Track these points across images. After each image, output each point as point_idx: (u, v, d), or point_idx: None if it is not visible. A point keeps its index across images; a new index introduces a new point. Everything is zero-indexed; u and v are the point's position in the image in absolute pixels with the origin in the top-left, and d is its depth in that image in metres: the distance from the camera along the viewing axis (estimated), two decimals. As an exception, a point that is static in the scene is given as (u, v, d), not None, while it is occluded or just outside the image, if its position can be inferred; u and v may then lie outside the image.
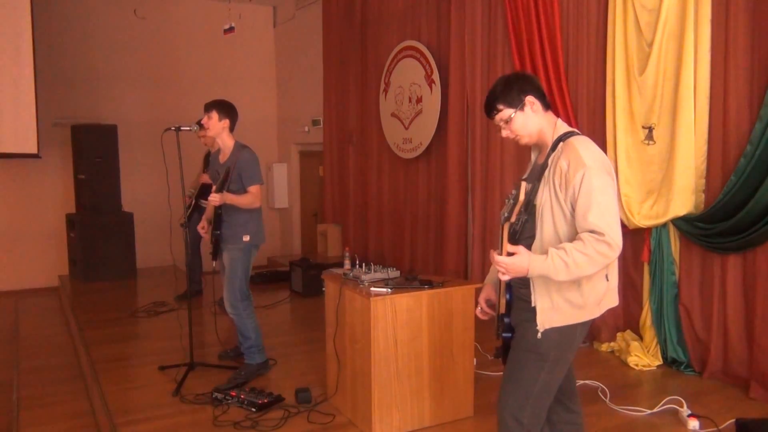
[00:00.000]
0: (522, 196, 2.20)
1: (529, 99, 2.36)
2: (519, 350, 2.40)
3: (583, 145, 2.30)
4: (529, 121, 2.38)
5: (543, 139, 2.41)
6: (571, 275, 2.20)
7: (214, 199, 4.16)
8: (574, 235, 2.25)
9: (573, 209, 2.25)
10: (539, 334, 2.30)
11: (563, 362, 2.39)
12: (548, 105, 2.42)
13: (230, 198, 4.18)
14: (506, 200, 2.25)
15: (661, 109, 4.28)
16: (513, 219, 2.21)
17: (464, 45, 5.94)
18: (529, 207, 2.35)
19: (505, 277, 2.25)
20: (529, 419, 2.35)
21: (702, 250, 4.20)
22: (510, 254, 2.20)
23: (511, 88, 2.36)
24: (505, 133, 2.42)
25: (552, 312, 2.31)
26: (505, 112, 2.37)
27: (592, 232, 2.18)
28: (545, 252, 2.23)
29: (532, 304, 2.32)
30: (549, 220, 2.29)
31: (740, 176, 3.83)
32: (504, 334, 2.46)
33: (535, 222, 2.32)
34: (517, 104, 2.36)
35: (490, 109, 2.41)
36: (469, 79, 5.92)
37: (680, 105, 4.11)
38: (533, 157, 2.53)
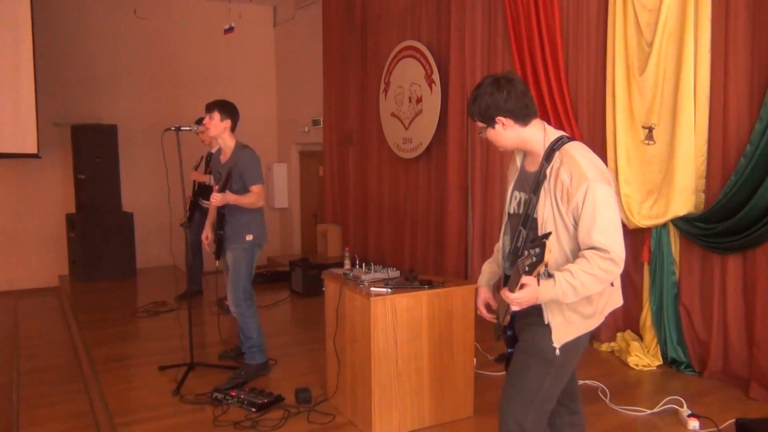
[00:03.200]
0: (547, 257, 2.06)
1: (500, 119, 2.31)
2: (524, 354, 2.37)
3: (581, 154, 2.24)
4: (500, 136, 2.35)
5: (529, 147, 2.35)
6: (578, 296, 2.19)
7: (216, 199, 4.15)
8: (578, 248, 2.23)
9: (576, 222, 2.21)
10: (557, 351, 2.28)
11: (568, 367, 2.38)
12: (530, 115, 2.31)
13: (233, 198, 4.17)
14: (527, 251, 2.10)
15: (661, 109, 4.28)
16: (534, 275, 2.10)
17: (464, 45, 5.93)
18: (529, 221, 2.30)
19: (516, 308, 2.21)
20: (532, 424, 2.33)
21: (702, 250, 4.20)
22: (521, 286, 2.12)
23: (482, 105, 2.31)
24: (484, 137, 2.43)
25: (566, 326, 2.29)
26: (479, 124, 2.37)
27: (595, 248, 2.15)
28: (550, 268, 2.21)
29: (545, 322, 2.29)
30: (554, 239, 2.23)
31: (740, 176, 3.83)
32: (508, 350, 2.46)
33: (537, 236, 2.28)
34: (488, 122, 2.33)
35: (470, 115, 2.41)
36: (469, 79, 5.91)
37: (680, 105, 4.11)
38: (518, 161, 2.47)
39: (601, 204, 2.16)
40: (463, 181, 6.13)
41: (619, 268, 2.18)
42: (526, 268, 2.09)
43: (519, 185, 2.43)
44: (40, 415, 4.02)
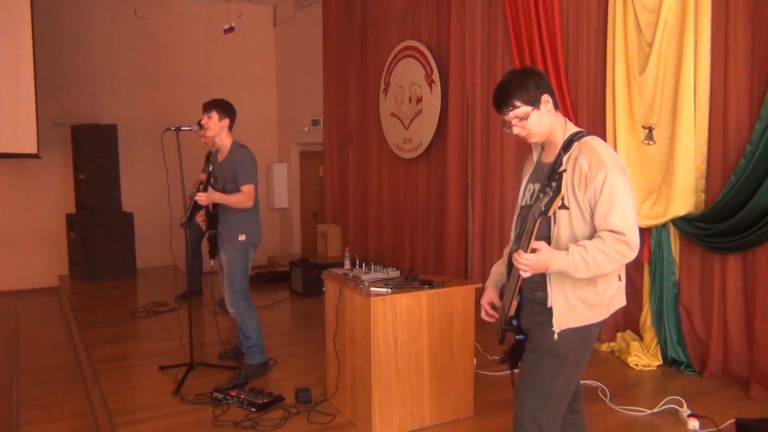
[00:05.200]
0: (564, 190, 2.04)
1: (545, 98, 2.31)
2: (537, 353, 2.36)
3: (600, 145, 2.29)
4: (543, 120, 2.32)
5: (552, 138, 2.38)
6: (589, 273, 2.19)
7: (201, 198, 4.15)
8: (591, 235, 2.24)
9: (592, 209, 2.22)
10: (555, 335, 2.28)
11: (581, 363, 2.38)
12: (557, 104, 2.40)
13: (217, 197, 4.16)
14: (539, 193, 2.09)
15: (661, 109, 4.28)
16: (551, 212, 2.07)
17: (464, 45, 5.94)
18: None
19: (526, 275, 2.19)
20: (548, 422, 2.33)
21: (702, 250, 4.20)
22: (533, 250, 2.15)
23: (528, 84, 2.28)
24: (516, 130, 2.34)
25: (568, 312, 2.29)
26: (522, 110, 2.29)
27: (612, 231, 2.18)
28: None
29: (549, 305, 2.30)
30: (566, 221, 2.26)
31: (740, 176, 3.83)
32: (517, 337, 2.44)
33: (549, 222, 2.28)
34: (534, 102, 2.29)
35: (506, 105, 2.30)
36: (469, 79, 5.92)
37: (680, 105, 4.11)
38: (535, 155, 2.49)
39: (619, 191, 2.19)
40: (463, 181, 6.14)
41: (633, 252, 2.20)
42: (542, 208, 2.05)
43: (534, 177, 2.45)
44: (40, 415, 4.02)
